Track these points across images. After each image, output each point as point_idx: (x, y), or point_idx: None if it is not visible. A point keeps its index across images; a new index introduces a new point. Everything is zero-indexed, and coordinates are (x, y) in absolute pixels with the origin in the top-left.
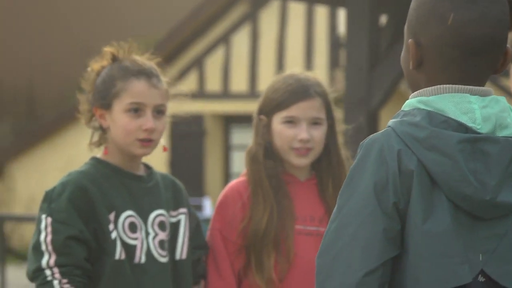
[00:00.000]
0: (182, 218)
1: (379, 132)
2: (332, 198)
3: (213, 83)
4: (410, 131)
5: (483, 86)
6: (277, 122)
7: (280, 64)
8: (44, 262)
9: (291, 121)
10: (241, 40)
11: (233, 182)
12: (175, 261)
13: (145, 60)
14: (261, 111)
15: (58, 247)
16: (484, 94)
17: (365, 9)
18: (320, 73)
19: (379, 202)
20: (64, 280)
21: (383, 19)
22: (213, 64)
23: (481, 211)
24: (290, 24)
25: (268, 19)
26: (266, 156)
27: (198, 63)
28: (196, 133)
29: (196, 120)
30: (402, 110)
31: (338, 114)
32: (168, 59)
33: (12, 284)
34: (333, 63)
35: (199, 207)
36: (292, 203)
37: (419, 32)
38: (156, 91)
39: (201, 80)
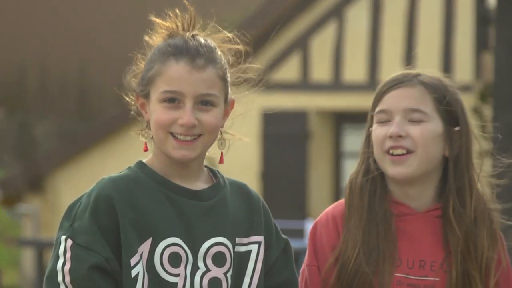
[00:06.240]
0: (254, 249)
1: None
2: (454, 234)
3: (321, 71)
4: None
5: None
6: (374, 124)
7: (409, 46)
8: None
9: (384, 120)
10: (358, 15)
11: (332, 205)
12: None
13: (204, 36)
14: (369, 122)
15: (77, 279)
16: None
17: None
18: (462, 57)
19: None
20: None
21: None
22: (321, 47)
23: None
24: None
25: None
26: (369, 182)
27: (301, 45)
28: (298, 135)
29: (298, 119)
30: None
31: (486, 111)
32: (261, 40)
33: None
34: (480, 44)
35: (301, 232)
36: (395, 244)
37: None
38: (200, 75)
39: (305, 67)
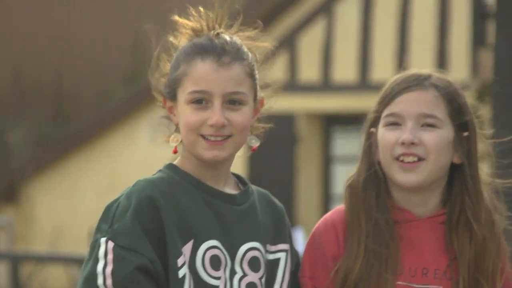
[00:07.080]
0: (282, 257)
1: None
2: (460, 241)
3: (309, 71)
4: None
5: None
6: (381, 127)
7: (402, 42)
8: None
9: (394, 123)
10: (348, 11)
11: (331, 212)
12: None
13: (230, 34)
14: (371, 122)
15: (120, 281)
16: None
17: None
18: (457, 54)
19: None
20: None
21: None
22: (310, 45)
23: None
24: None
25: None
26: (372, 186)
27: (288, 44)
28: (285, 139)
29: (285, 122)
30: None
31: (484, 112)
32: None
33: None
34: (477, 40)
35: None
36: (397, 252)
37: None
38: (227, 73)
39: (293, 66)
